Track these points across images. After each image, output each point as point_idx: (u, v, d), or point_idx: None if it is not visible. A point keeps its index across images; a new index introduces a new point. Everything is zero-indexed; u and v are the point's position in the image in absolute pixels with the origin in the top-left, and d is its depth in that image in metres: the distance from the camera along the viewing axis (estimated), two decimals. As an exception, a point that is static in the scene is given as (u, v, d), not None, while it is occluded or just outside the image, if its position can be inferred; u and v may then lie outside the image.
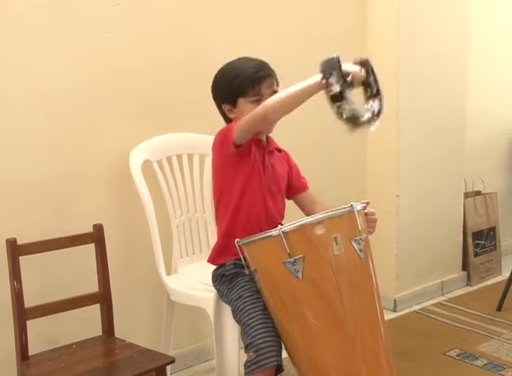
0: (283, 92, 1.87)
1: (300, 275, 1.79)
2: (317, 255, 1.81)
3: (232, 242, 1.94)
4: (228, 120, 2.11)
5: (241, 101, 2.03)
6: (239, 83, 2.01)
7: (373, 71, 1.88)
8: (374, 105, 1.86)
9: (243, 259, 1.92)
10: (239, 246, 1.89)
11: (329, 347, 1.83)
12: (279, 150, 2.19)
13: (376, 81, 1.88)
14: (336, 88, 1.75)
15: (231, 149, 1.97)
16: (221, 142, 2.01)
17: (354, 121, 1.78)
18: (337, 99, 1.76)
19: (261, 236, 1.85)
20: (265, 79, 2.03)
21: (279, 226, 1.80)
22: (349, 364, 1.83)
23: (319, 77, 1.79)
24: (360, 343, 1.82)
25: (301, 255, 1.78)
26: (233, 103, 2.05)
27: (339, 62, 1.77)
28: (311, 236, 1.80)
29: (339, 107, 1.76)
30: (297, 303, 1.83)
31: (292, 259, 1.78)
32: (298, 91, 1.84)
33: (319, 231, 1.80)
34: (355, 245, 1.84)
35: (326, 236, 1.80)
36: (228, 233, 2.05)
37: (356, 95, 1.84)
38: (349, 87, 1.78)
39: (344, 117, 1.76)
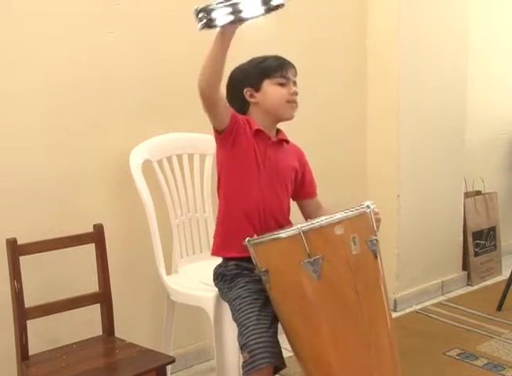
0: (204, 59, 1.92)
1: (318, 275, 1.77)
2: (336, 255, 1.80)
3: (231, 235, 1.95)
4: (241, 111, 2.08)
5: (266, 82, 2.05)
6: (267, 65, 2.06)
7: None
8: None
9: (253, 259, 1.88)
10: (249, 246, 1.86)
11: (344, 348, 1.82)
12: (287, 141, 2.17)
13: None
14: (199, 17, 1.76)
15: (218, 137, 2.01)
16: (214, 135, 2.05)
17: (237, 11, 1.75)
18: (210, 22, 1.77)
19: (275, 236, 1.82)
20: (290, 67, 2.08)
21: (299, 225, 1.79)
22: (363, 365, 1.82)
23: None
24: (374, 343, 1.82)
25: (320, 255, 1.77)
26: (257, 86, 2.06)
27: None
28: (331, 236, 1.79)
29: (219, 22, 1.76)
30: (313, 304, 1.82)
31: (311, 259, 1.77)
32: (212, 48, 1.89)
33: (339, 231, 1.79)
34: (370, 245, 1.85)
35: (345, 236, 1.80)
36: (229, 222, 2.05)
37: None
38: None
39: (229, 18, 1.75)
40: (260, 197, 2.03)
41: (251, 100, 2.08)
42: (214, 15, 1.75)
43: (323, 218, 1.83)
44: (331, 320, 1.82)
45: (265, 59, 2.09)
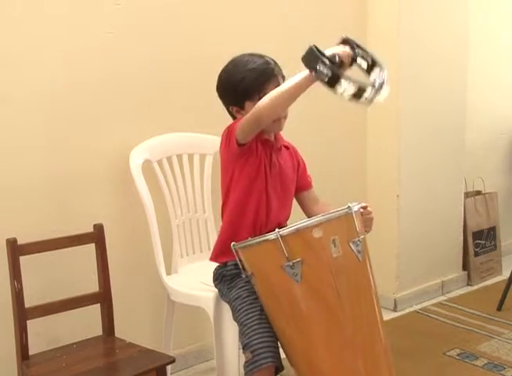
0: (276, 91, 1.85)
1: (298, 278, 1.78)
2: (315, 258, 1.80)
3: (234, 241, 1.94)
4: (236, 118, 2.08)
5: (248, 104, 1.99)
6: (244, 87, 1.99)
7: (358, 45, 1.88)
8: (375, 75, 1.84)
9: (239, 263, 1.90)
10: (235, 249, 1.88)
11: (329, 350, 1.82)
12: (287, 147, 2.16)
13: (367, 52, 1.88)
14: (328, 73, 1.75)
15: (235, 148, 1.96)
16: (227, 140, 2.00)
17: (360, 95, 1.77)
18: (333, 82, 1.76)
19: (258, 240, 1.83)
20: (270, 80, 2.00)
21: (277, 230, 1.79)
22: (349, 367, 1.82)
23: (306, 72, 1.79)
24: (360, 346, 1.82)
25: (299, 259, 1.77)
26: (241, 106, 2.03)
27: (317, 50, 1.78)
28: (309, 240, 1.79)
29: (340, 89, 1.76)
30: (296, 307, 1.82)
31: (291, 263, 1.77)
32: (290, 89, 1.83)
33: (317, 234, 1.79)
34: (353, 247, 1.83)
35: (324, 238, 1.79)
36: (232, 231, 2.03)
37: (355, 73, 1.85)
38: (340, 66, 1.80)
39: (349, 94, 1.76)
40: (266, 203, 2.03)
41: (238, 116, 2.04)
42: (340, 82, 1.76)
43: (302, 221, 1.83)
44: (315, 323, 1.81)
45: (243, 76, 1.98)
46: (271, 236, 1.79)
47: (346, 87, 1.75)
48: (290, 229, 1.79)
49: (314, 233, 1.79)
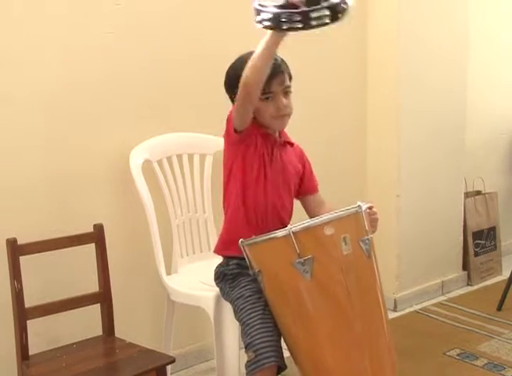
0: (252, 58, 1.84)
1: (308, 276, 1.78)
2: (326, 255, 1.81)
3: (236, 235, 1.93)
4: None
5: None
6: None
7: None
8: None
9: (246, 260, 1.90)
10: (242, 246, 1.87)
11: (336, 349, 1.82)
12: (291, 144, 2.15)
13: None
14: (268, 17, 1.68)
15: (233, 135, 1.96)
16: (226, 130, 2.00)
17: (307, 21, 1.68)
18: (276, 24, 1.69)
19: (268, 237, 1.82)
20: (276, 76, 1.97)
21: (288, 226, 1.79)
22: (356, 365, 1.82)
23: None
24: (367, 344, 1.82)
25: (310, 256, 1.77)
26: None
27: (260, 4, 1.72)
28: (321, 237, 1.79)
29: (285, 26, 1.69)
30: (304, 304, 1.82)
31: (302, 260, 1.77)
32: (262, 49, 1.81)
33: (329, 231, 1.79)
34: (362, 245, 1.84)
35: (336, 236, 1.80)
36: (233, 224, 2.04)
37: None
38: (289, 7, 1.71)
39: (297, 26, 1.68)
40: (266, 197, 2.02)
41: None
42: (283, 18, 1.68)
43: (313, 219, 1.84)
44: (323, 320, 1.81)
45: None
46: (281, 233, 1.79)
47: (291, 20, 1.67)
48: (301, 225, 1.79)
49: (325, 230, 1.79)
